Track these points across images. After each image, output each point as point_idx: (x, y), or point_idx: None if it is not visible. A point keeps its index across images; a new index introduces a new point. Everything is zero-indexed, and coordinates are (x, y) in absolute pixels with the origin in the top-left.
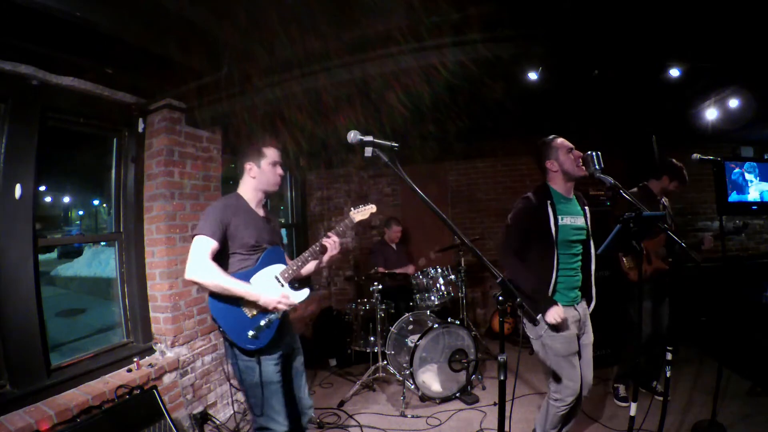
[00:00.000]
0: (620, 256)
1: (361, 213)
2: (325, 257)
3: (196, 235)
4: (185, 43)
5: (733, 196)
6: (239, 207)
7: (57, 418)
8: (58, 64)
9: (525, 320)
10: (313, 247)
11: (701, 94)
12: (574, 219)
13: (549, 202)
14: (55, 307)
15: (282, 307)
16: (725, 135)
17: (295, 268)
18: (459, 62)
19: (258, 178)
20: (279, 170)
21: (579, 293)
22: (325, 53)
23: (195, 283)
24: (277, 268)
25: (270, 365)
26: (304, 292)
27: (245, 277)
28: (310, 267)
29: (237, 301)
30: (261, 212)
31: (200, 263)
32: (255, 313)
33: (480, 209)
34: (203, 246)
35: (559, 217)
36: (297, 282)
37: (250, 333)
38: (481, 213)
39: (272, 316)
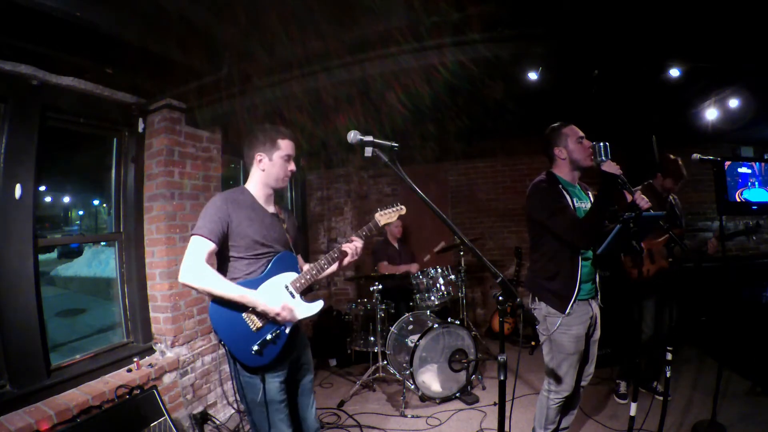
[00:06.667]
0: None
1: (388, 215)
2: (345, 261)
3: (194, 234)
4: (185, 43)
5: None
6: (243, 201)
7: (57, 418)
8: (58, 64)
9: (535, 304)
10: (331, 252)
11: (701, 94)
12: (584, 204)
13: (560, 185)
14: (55, 307)
15: (282, 318)
16: (725, 135)
17: (308, 277)
18: (459, 62)
19: (267, 171)
20: (291, 165)
21: (593, 286)
22: (325, 53)
23: (188, 287)
24: (288, 277)
25: (275, 383)
26: (318, 304)
27: (251, 286)
28: (325, 272)
29: (240, 311)
30: (271, 209)
31: (195, 266)
32: (260, 325)
33: (480, 209)
34: (200, 247)
35: (574, 200)
36: (308, 292)
37: (254, 348)
38: (481, 213)
39: (279, 330)
